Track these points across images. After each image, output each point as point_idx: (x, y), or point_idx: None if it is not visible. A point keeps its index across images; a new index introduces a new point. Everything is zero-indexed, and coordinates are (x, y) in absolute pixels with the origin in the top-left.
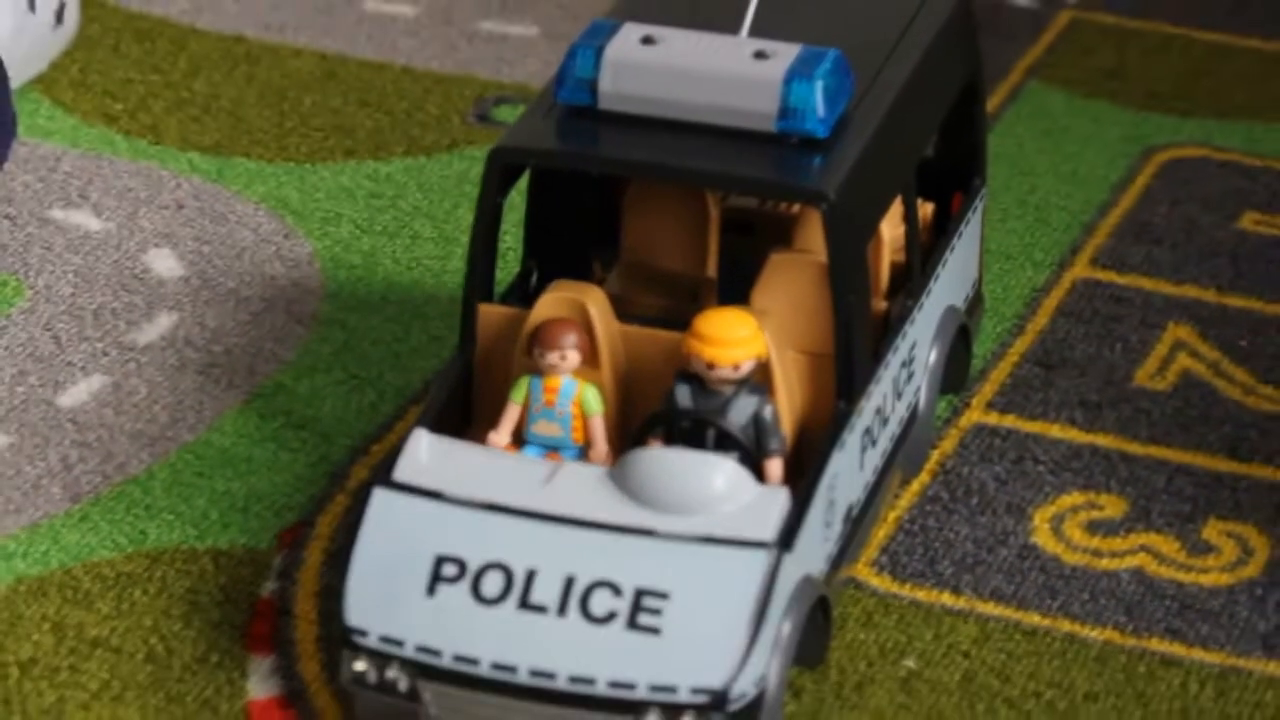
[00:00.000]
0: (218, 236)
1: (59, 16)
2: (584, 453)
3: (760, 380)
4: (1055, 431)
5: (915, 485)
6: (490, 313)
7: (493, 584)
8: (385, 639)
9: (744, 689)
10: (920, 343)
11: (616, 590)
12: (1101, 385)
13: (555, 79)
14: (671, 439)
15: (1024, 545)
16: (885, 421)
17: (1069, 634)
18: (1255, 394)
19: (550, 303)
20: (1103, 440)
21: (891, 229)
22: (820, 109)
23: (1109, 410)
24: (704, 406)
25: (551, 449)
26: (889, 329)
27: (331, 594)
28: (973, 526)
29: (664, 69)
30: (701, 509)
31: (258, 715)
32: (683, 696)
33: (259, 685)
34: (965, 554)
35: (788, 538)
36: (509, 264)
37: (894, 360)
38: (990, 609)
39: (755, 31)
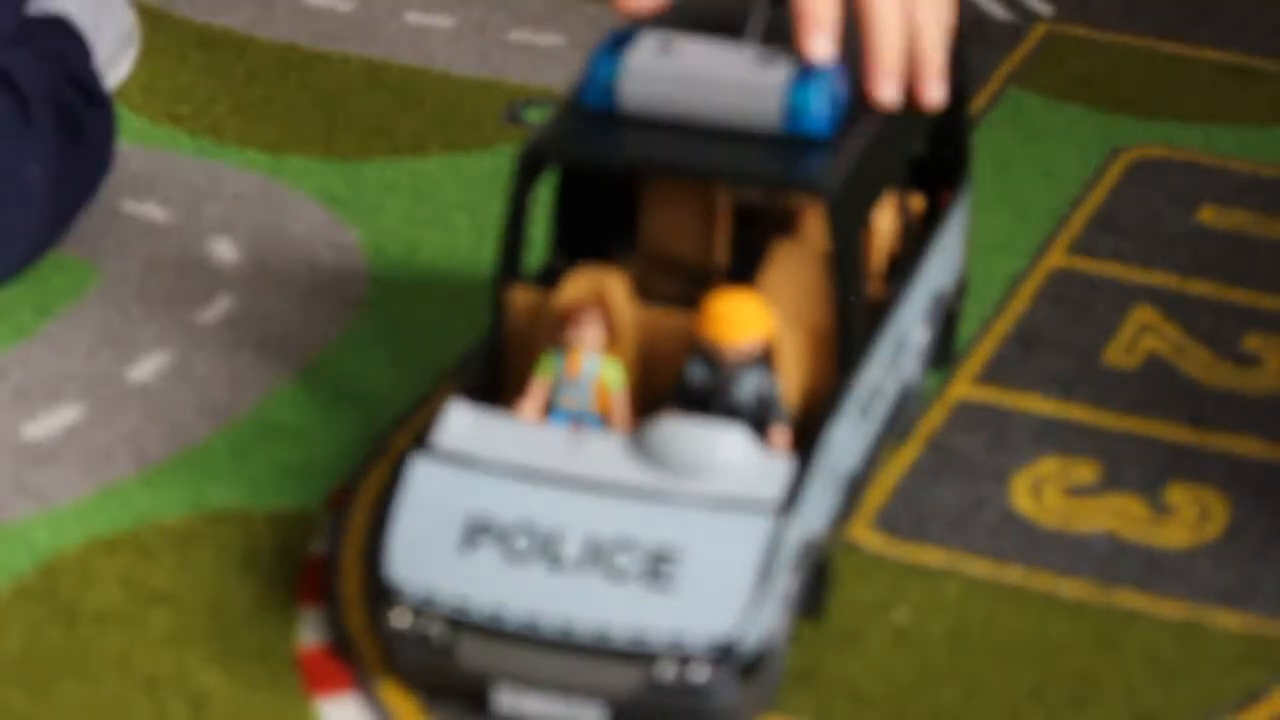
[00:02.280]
0: (273, 227)
1: (129, 36)
2: (606, 424)
3: (766, 357)
4: (1033, 404)
5: (906, 454)
6: (518, 295)
7: (521, 542)
8: (422, 594)
9: (751, 639)
10: (911, 323)
11: (634, 548)
12: (1075, 363)
13: (579, 84)
14: (684, 410)
15: (1005, 508)
16: (880, 395)
17: (1046, 590)
18: (1213, 371)
19: (574, 285)
20: (1076, 413)
21: (886, 220)
22: (822, 111)
23: (1082, 385)
24: (714, 381)
25: (575, 420)
26: (883, 311)
27: (375, 552)
28: (958, 492)
29: (679, 75)
30: (712, 473)
31: (307, 661)
32: (694, 648)
33: (309, 634)
34: (951, 516)
35: (791, 500)
36: (536, 252)
37: (888, 339)
38: (974, 567)
39: (763, 40)
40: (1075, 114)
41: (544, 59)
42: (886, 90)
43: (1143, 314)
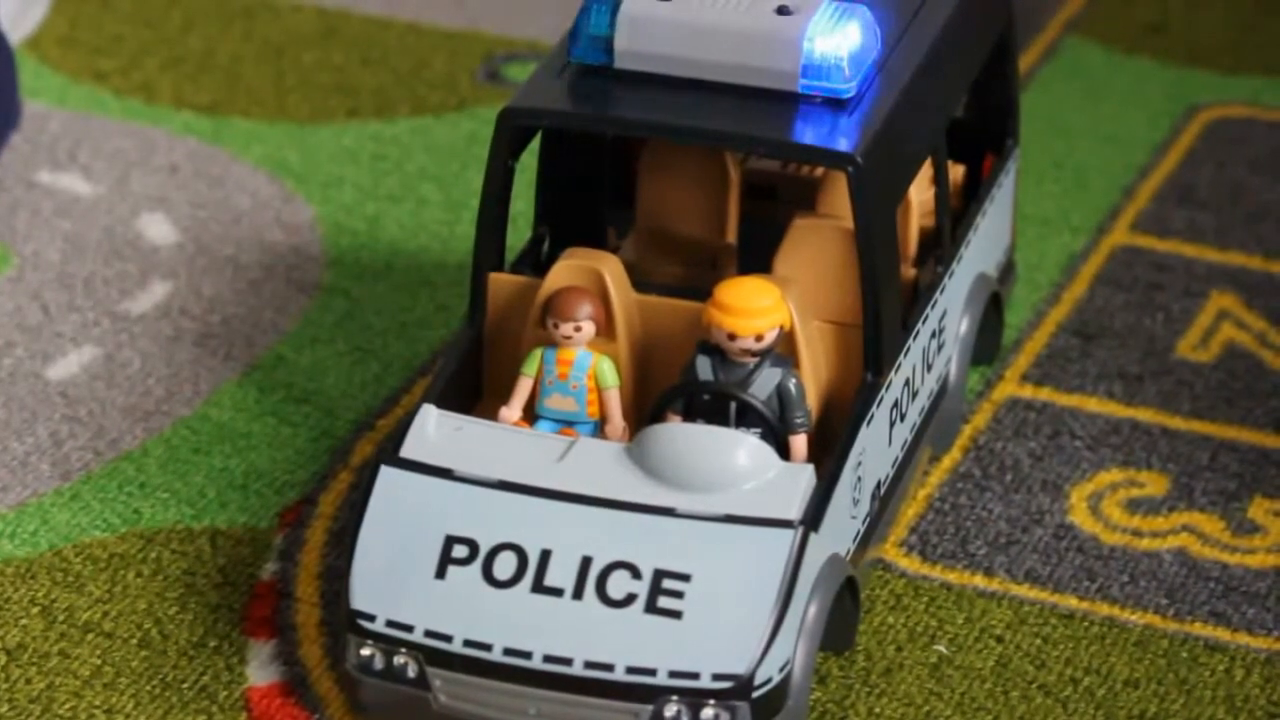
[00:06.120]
0: (214, 201)
1: None
2: (599, 428)
3: (784, 351)
4: (1093, 405)
5: (946, 461)
6: (501, 282)
7: (505, 566)
8: (392, 624)
9: (768, 675)
10: (951, 312)
11: (635, 572)
12: (1142, 357)
13: (568, 36)
14: (691, 413)
15: (1060, 525)
16: (914, 394)
17: (1108, 618)
18: None
19: (564, 271)
20: (1143, 414)
21: (920, 192)
22: (845, 67)
23: (1149, 383)
24: (725, 379)
25: (565, 424)
26: (918, 297)
27: (335, 576)
28: (1006, 505)
29: (682, 25)
30: (723, 487)
31: (257, 702)
32: (704, 683)
33: (259, 671)
34: (999, 534)
35: (813, 516)
36: (520, 230)
37: (923, 330)
38: (1025, 591)
39: None
40: (1144, 68)
41: (527, 6)
42: None
43: (1221, 300)
